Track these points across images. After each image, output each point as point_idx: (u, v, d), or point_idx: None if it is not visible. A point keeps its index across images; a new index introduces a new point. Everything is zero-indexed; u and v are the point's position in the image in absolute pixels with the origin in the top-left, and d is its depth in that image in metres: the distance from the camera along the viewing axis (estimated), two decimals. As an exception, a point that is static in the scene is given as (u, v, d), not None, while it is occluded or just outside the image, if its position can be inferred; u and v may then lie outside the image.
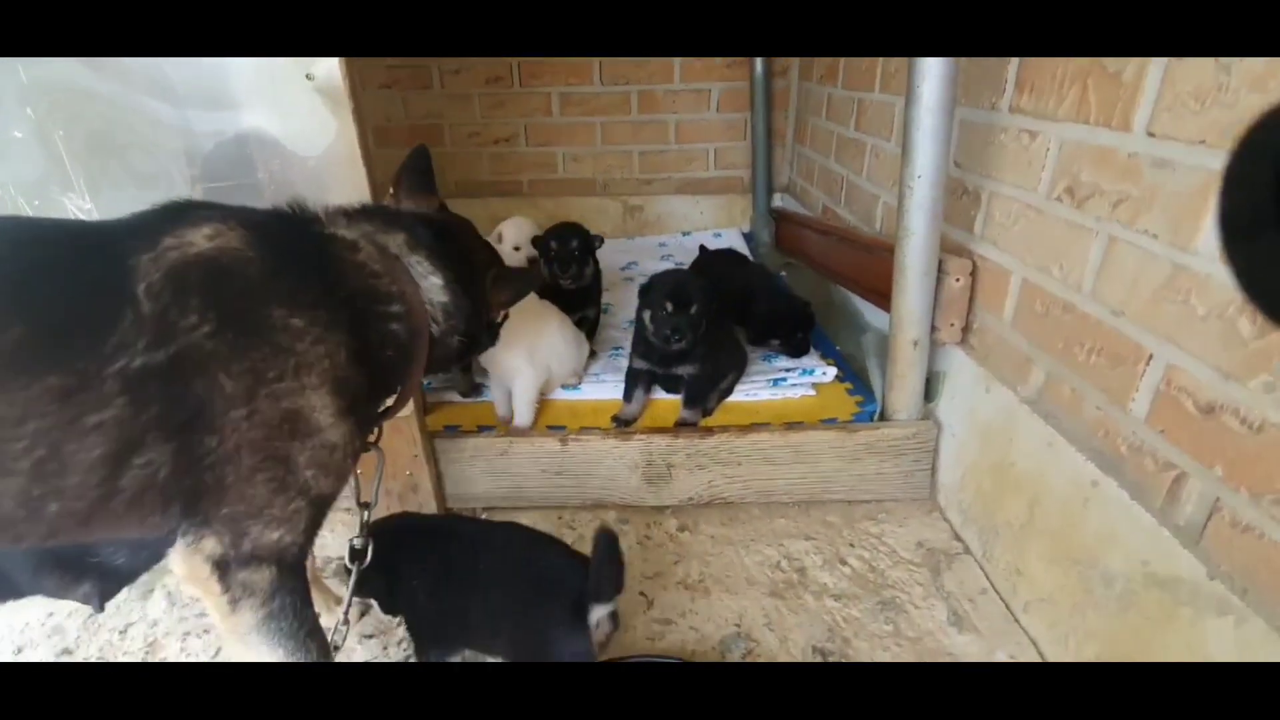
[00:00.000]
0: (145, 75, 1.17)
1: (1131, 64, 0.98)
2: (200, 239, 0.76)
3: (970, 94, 1.41)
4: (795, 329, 1.91)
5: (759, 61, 2.72)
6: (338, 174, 1.22)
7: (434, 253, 0.96)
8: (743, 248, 2.84)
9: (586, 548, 1.06)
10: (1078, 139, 1.11)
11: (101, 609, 1.13)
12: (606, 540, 1.03)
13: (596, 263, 1.99)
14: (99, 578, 1.11)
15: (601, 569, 1.03)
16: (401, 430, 1.43)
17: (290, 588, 0.83)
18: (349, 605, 1.03)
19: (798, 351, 1.90)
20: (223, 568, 0.79)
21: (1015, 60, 1.27)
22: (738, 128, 2.98)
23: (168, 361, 0.70)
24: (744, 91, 2.87)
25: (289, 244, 0.84)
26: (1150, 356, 0.97)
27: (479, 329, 1.07)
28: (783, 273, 2.71)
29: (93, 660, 1.25)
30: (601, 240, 1.97)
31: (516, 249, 2.18)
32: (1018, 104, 1.27)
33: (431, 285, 0.96)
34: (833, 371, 1.81)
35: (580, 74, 2.87)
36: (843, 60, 2.27)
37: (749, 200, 3.03)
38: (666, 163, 3.07)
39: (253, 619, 0.81)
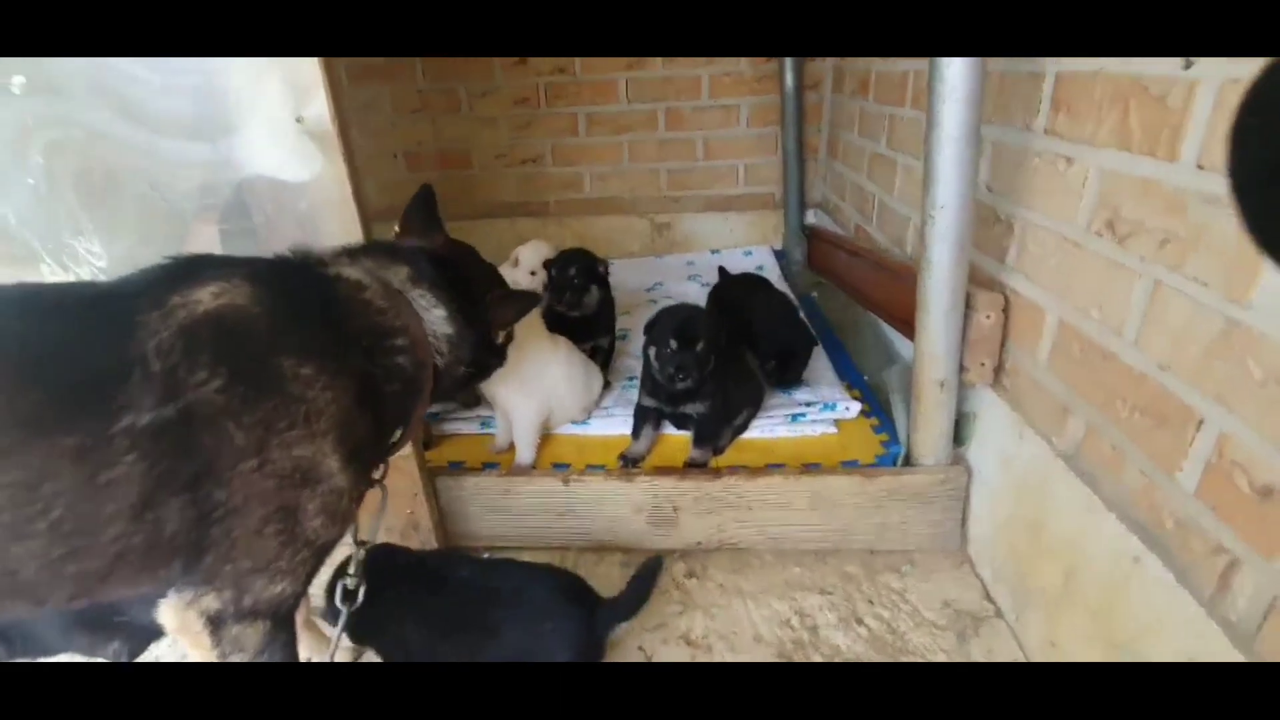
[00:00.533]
0: (157, 116, 1.18)
1: (1178, 86, 0.86)
2: (206, 296, 0.77)
3: (1002, 111, 1.29)
4: (769, 358, 1.80)
5: (789, 75, 2.61)
6: (330, 215, 1.21)
7: (436, 285, 0.98)
8: (774, 266, 2.74)
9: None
10: (1118, 168, 0.99)
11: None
12: (656, 568, 1.20)
13: (607, 289, 1.93)
14: (127, 636, 1.12)
15: (640, 590, 1.17)
16: (401, 468, 1.40)
17: (281, 642, 0.85)
18: (336, 647, 1.03)
19: (777, 383, 1.80)
20: (216, 623, 0.80)
21: (1051, 76, 1.15)
22: (768, 143, 2.87)
23: (176, 416, 0.71)
24: (774, 106, 2.76)
25: (294, 291, 0.85)
26: (1201, 421, 0.85)
27: (485, 356, 1.08)
28: (813, 293, 2.59)
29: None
30: (607, 266, 1.90)
31: (533, 274, 2.14)
32: (1054, 126, 1.15)
33: (435, 318, 0.97)
34: (857, 407, 1.70)
35: (607, 93, 2.83)
36: (874, 73, 2.15)
37: (781, 217, 2.91)
38: (695, 180, 2.98)
39: None
